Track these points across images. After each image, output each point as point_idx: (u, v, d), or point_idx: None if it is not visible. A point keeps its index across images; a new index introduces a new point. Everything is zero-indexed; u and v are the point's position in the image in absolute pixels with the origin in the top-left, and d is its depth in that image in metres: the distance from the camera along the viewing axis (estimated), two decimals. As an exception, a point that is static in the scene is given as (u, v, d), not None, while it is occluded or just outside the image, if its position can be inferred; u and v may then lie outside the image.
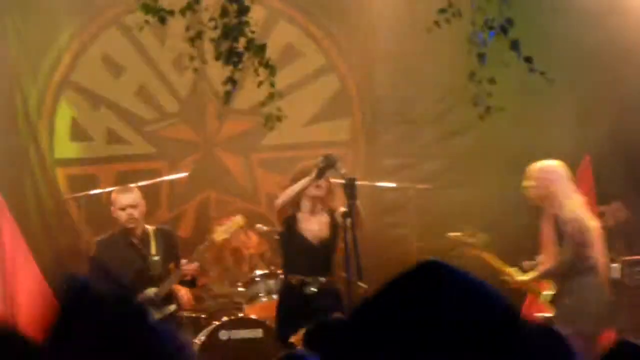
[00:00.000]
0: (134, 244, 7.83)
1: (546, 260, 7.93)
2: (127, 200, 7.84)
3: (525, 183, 8.03)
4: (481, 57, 8.35)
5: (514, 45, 7.91)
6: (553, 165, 8.05)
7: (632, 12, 10.12)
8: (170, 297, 7.82)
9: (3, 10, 10.46)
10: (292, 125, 9.94)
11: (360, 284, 7.56)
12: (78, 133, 10.76)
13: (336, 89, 10.92)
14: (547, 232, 7.93)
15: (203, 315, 8.88)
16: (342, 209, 7.48)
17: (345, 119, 10.92)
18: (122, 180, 10.25)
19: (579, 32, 10.12)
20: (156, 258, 7.72)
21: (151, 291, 7.62)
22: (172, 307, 7.79)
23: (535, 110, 10.26)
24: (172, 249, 7.91)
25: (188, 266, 7.76)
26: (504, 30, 7.84)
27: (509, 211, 9.85)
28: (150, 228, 7.96)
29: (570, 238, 7.74)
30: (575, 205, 7.86)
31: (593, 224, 7.90)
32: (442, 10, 8.51)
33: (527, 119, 10.29)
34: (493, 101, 8.46)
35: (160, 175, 10.40)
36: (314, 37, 10.92)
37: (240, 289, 8.74)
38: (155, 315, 7.13)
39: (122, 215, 7.80)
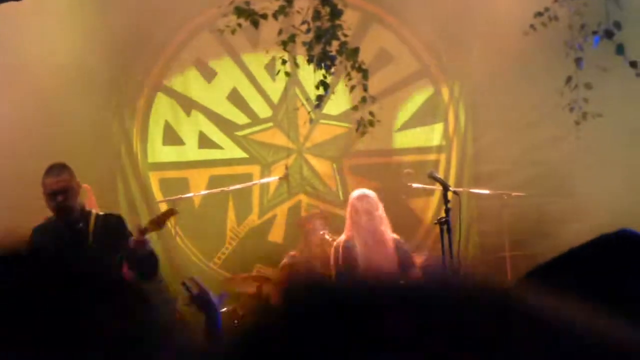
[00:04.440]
0: (65, 232, 6.53)
1: None
2: (57, 185, 6.45)
3: None
4: (578, 61, 8.18)
5: (620, 50, 7.69)
6: None
7: None
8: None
9: (96, 15, 10.55)
10: (384, 131, 9.83)
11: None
12: (171, 137, 10.80)
13: (429, 94, 10.77)
14: None
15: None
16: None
17: (438, 125, 10.75)
18: (214, 184, 10.28)
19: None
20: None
21: None
22: None
23: (636, 117, 9.99)
24: (118, 239, 6.48)
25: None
26: (608, 34, 7.63)
27: (604, 221, 9.58)
28: (92, 214, 6.64)
29: None
30: None
31: None
32: (538, 14, 8.36)
33: (627, 126, 10.01)
34: (590, 107, 8.28)
35: (252, 180, 10.40)
36: (407, 41, 10.78)
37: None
38: None
39: (51, 204, 6.51)
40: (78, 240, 6.52)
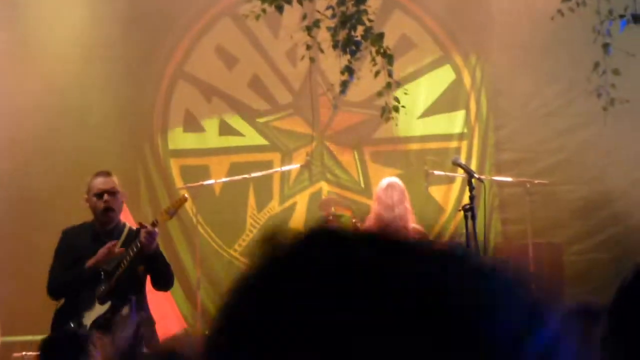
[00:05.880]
0: (99, 236, 6.69)
1: None
2: (106, 185, 6.63)
3: None
4: (606, 47, 8.12)
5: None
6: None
7: None
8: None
9: (115, 4, 10.48)
10: (406, 118, 9.76)
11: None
12: (191, 124, 10.76)
13: (451, 81, 10.69)
14: None
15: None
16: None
17: (460, 112, 10.66)
18: (235, 171, 10.24)
19: None
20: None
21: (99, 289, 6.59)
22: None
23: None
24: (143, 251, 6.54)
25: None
26: (635, 18, 7.56)
27: (633, 209, 9.53)
28: (126, 226, 6.79)
29: None
30: None
31: None
32: (566, -1, 8.29)
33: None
34: (617, 93, 8.22)
35: (273, 167, 10.36)
36: (429, 28, 10.71)
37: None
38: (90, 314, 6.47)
39: (99, 204, 6.62)
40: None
